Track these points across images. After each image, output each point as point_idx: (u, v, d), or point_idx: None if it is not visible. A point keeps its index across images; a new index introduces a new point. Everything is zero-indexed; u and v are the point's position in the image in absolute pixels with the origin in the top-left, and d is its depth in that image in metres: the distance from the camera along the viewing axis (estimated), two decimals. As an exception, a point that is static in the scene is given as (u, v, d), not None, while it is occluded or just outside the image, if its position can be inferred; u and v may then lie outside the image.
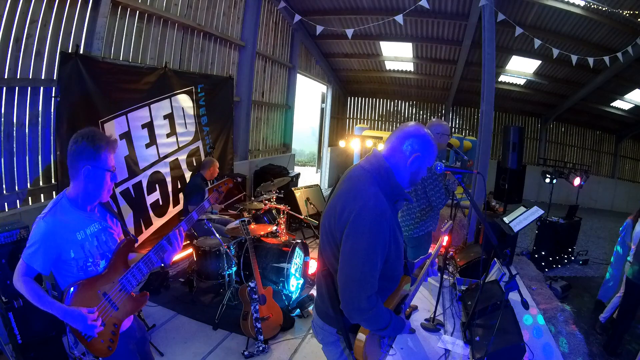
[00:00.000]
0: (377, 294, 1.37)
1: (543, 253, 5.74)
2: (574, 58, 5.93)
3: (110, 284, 1.56)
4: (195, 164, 4.95)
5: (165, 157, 4.54)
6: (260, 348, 2.88)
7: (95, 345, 1.51)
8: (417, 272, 1.70)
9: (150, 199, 4.33)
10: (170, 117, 4.56)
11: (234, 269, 3.57)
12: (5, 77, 3.15)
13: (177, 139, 4.70)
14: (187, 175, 4.83)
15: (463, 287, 4.00)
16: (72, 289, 1.48)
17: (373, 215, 1.31)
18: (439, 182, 3.13)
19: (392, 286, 1.52)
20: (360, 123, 12.50)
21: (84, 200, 1.56)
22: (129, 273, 1.61)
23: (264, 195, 4.61)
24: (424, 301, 3.94)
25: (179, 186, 4.73)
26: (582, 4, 6.17)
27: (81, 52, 3.53)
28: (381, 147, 1.52)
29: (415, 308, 3.73)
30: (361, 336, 1.44)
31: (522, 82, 9.63)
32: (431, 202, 3.17)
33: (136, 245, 1.76)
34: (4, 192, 3.23)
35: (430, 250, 3.29)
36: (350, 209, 1.34)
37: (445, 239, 1.84)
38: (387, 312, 1.41)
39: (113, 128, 3.79)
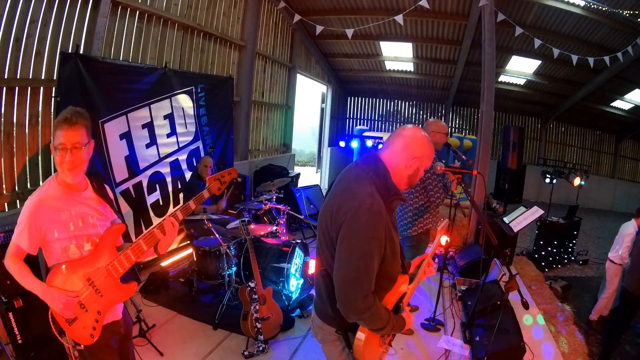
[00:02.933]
0: (374, 293, 1.36)
1: (543, 253, 5.74)
2: (574, 58, 5.93)
3: (95, 268, 1.54)
4: (195, 164, 4.95)
5: (166, 157, 4.54)
6: (260, 348, 2.87)
7: (78, 331, 1.51)
8: (414, 270, 1.69)
9: (150, 199, 4.33)
10: (170, 117, 4.56)
11: (234, 269, 3.57)
12: (5, 77, 3.15)
13: (177, 139, 4.70)
14: (188, 175, 4.83)
15: (463, 287, 4.00)
16: (55, 269, 1.49)
17: (369, 215, 1.31)
18: (439, 180, 3.13)
19: (390, 285, 1.52)
20: (360, 123, 12.51)
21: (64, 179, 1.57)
22: (116, 259, 1.57)
23: (264, 195, 4.61)
24: (424, 301, 3.94)
25: (179, 186, 4.73)
26: (582, 4, 6.17)
27: (81, 52, 3.53)
28: (380, 147, 1.53)
29: (416, 309, 3.73)
30: (361, 335, 1.44)
31: (522, 82, 9.63)
32: (430, 198, 3.17)
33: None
34: (4, 192, 3.23)
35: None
36: (346, 208, 1.34)
37: (443, 238, 1.84)
38: (385, 311, 1.41)
39: (113, 128, 3.79)
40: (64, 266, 1.50)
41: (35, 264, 2.23)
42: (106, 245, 1.59)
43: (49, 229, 1.49)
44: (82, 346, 1.53)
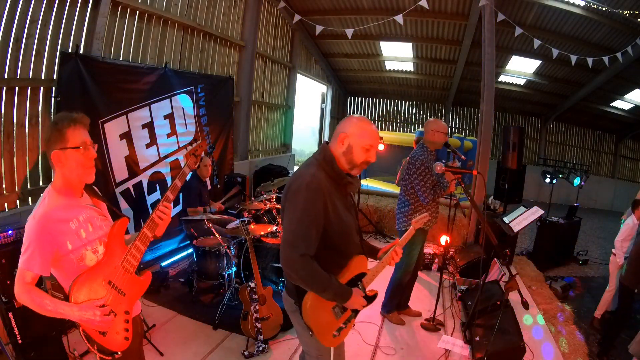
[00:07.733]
0: (315, 258, 1.53)
1: (543, 253, 5.74)
2: (574, 58, 5.93)
3: (112, 269, 1.50)
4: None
5: (166, 157, 4.54)
6: (260, 348, 2.88)
7: (113, 339, 1.46)
8: (381, 255, 1.86)
9: (150, 199, 4.33)
10: (170, 117, 4.56)
11: (234, 269, 3.57)
12: (5, 77, 3.15)
13: (177, 139, 4.70)
14: (188, 175, 4.83)
15: (463, 287, 4.00)
16: (78, 283, 1.40)
17: (307, 190, 1.54)
18: (429, 178, 3.10)
19: (343, 261, 1.70)
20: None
21: (69, 186, 1.50)
22: (128, 254, 1.54)
23: (264, 195, 4.60)
24: (424, 301, 3.94)
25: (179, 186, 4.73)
26: (582, 4, 6.16)
27: (81, 52, 3.53)
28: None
29: (418, 314, 3.68)
30: (305, 299, 1.61)
31: (522, 82, 9.62)
32: (417, 194, 3.16)
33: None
34: (4, 192, 3.23)
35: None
36: (291, 187, 1.60)
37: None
38: (324, 275, 1.55)
39: (113, 128, 3.79)
40: (84, 277, 1.43)
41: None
42: (116, 242, 1.55)
43: (61, 242, 1.41)
44: (120, 353, 1.48)
